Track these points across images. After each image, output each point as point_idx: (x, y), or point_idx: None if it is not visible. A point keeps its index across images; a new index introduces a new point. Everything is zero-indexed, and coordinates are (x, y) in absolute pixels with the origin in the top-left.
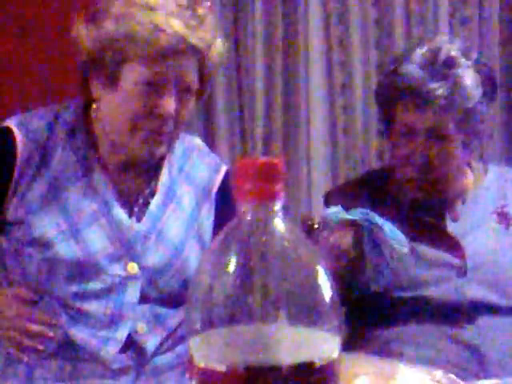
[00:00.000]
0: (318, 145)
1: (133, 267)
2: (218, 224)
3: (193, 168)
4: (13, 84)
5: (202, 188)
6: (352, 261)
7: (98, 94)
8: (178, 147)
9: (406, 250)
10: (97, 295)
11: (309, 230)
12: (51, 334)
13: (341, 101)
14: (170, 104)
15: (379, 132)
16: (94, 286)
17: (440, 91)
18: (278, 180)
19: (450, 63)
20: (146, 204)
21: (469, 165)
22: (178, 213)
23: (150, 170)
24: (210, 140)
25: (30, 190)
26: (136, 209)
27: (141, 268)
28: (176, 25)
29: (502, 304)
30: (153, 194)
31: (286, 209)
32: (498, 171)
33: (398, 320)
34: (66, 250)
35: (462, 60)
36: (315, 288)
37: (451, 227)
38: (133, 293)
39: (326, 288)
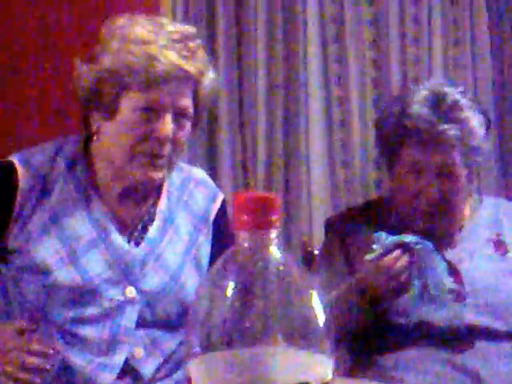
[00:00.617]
0: (317, 177)
1: (131, 291)
2: (215, 250)
3: (190, 197)
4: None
5: (200, 216)
6: (402, 283)
7: (97, 127)
8: (177, 177)
9: (447, 280)
10: (94, 320)
11: (308, 256)
12: (48, 366)
13: (339, 135)
14: (166, 127)
15: (377, 164)
16: (92, 310)
17: (451, 132)
18: (274, 212)
19: (457, 106)
20: (145, 230)
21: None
22: (176, 239)
23: (149, 198)
24: (213, 172)
25: (30, 220)
26: (135, 234)
27: (138, 292)
28: (170, 55)
29: (500, 329)
30: (151, 221)
31: (287, 235)
32: (493, 202)
33: (398, 346)
34: (64, 276)
35: (466, 102)
36: (309, 312)
37: (449, 254)
38: (130, 317)
39: (319, 312)
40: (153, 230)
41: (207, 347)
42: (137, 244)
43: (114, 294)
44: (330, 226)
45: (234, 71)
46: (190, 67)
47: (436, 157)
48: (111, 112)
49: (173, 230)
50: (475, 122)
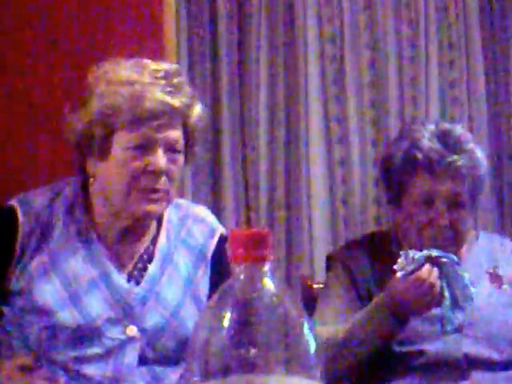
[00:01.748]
0: (318, 213)
1: (132, 330)
2: (214, 284)
3: (188, 235)
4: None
5: (198, 252)
6: (434, 296)
7: (93, 169)
8: (175, 215)
9: (473, 289)
10: (97, 358)
11: (308, 290)
12: None
13: (339, 173)
14: (160, 160)
15: (376, 200)
16: (94, 350)
17: (461, 162)
18: (267, 246)
19: (463, 139)
20: (144, 268)
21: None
22: (175, 276)
23: (148, 235)
24: (216, 209)
25: (31, 262)
26: (135, 272)
27: (140, 330)
28: (155, 92)
29: (496, 359)
30: (150, 259)
31: (288, 271)
32: (488, 237)
33: (396, 375)
34: (66, 317)
35: (469, 136)
36: (301, 340)
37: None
38: (132, 355)
39: (310, 340)
40: (152, 268)
41: (206, 375)
42: (137, 282)
43: (115, 333)
44: (333, 258)
45: (237, 116)
46: (176, 102)
47: (446, 186)
48: (104, 153)
49: (172, 267)
50: (480, 153)
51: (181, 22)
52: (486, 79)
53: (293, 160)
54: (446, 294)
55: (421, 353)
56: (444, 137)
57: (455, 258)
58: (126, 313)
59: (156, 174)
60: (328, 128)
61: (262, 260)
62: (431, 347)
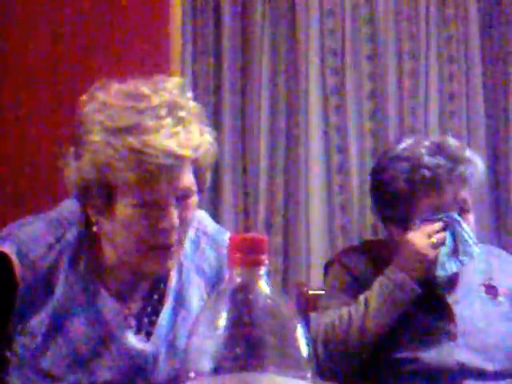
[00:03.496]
0: (316, 221)
1: None
2: None
3: (202, 258)
4: None
5: (214, 279)
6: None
7: (96, 218)
8: (187, 239)
9: (477, 249)
10: None
11: (305, 297)
12: None
13: (338, 181)
14: (171, 216)
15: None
16: None
17: (468, 172)
18: (263, 251)
19: (461, 149)
20: (155, 311)
21: None
22: (189, 318)
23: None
24: (215, 216)
25: (33, 319)
26: (145, 319)
27: None
28: (157, 141)
29: (488, 369)
30: (161, 300)
31: (285, 278)
32: (484, 248)
33: (389, 381)
34: (72, 382)
35: (462, 144)
36: (294, 341)
37: (447, 296)
38: None
39: (303, 341)
40: (164, 316)
41: (201, 373)
42: (147, 333)
43: None
44: (331, 263)
45: (237, 122)
46: (185, 150)
47: (454, 196)
48: (106, 211)
49: (185, 308)
50: (478, 158)
51: (185, 24)
52: (484, 92)
53: (292, 168)
54: (448, 242)
55: (414, 360)
56: (442, 150)
57: (459, 217)
58: (136, 374)
59: (168, 230)
60: (327, 137)
61: (258, 264)
62: (425, 355)
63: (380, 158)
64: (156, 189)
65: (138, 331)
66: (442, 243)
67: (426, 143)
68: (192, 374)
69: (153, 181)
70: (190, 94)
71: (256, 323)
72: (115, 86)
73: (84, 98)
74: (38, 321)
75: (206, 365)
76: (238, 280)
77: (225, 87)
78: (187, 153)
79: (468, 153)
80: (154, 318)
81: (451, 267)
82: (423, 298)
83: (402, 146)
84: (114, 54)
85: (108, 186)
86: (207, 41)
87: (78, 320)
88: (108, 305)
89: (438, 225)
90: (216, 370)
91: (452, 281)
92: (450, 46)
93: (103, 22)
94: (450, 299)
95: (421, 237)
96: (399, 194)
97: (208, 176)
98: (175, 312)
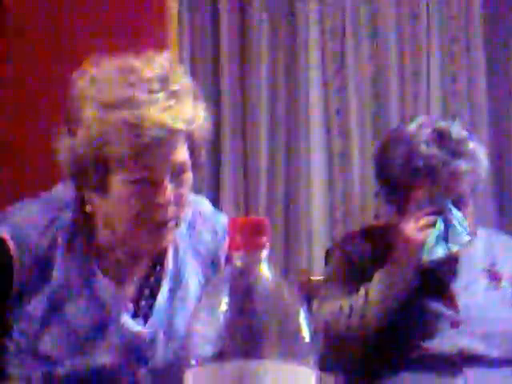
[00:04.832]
0: (317, 207)
1: (141, 372)
2: None
3: (198, 239)
4: None
5: (210, 260)
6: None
7: (91, 197)
8: (182, 224)
9: (467, 238)
10: None
11: (307, 283)
12: None
13: (339, 167)
14: (165, 192)
15: (376, 195)
16: None
17: (464, 167)
18: (264, 234)
19: (463, 140)
20: (152, 294)
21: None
22: (186, 299)
23: (155, 254)
24: (216, 202)
25: (30, 304)
26: (143, 302)
27: (149, 370)
28: (151, 114)
29: (490, 355)
30: (158, 282)
31: (286, 265)
32: (486, 234)
33: (391, 368)
34: (70, 366)
35: (468, 135)
36: (297, 327)
37: (450, 284)
38: None
39: (305, 327)
40: (161, 298)
41: (202, 360)
42: (145, 316)
43: (123, 376)
44: (332, 249)
45: (238, 105)
46: (179, 123)
47: (450, 189)
48: (100, 189)
49: (182, 289)
50: (480, 152)
51: (182, 14)
52: (486, 72)
53: (292, 152)
54: (438, 225)
55: (417, 347)
56: (443, 140)
57: (452, 208)
58: (134, 356)
59: (163, 206)
60: (328, 121)
61: (260, 247)
62: (427, 342)
63: (383, 138)
64: (150, 163)
65: (135, 315)
66: (432, 226)
67: (428, 130)
68: (193, 362)
69: (147, 155)
70: (182, 69)
71: (257, 309)
72: (106, 62)
73: (75, 74)
74: (36, 305)
75: (207, 352)
76: (239, 264)
77: (223, 73)
78: (181, 126)
79: (470, 146)
80: (151, 301)
81: (437, 252)
82: (425, 285)
83: (406, 128)
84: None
85: (102, 162)
86: (206, 21)
87: (75, 303)
88: (104, 287)
89: (427, 210)
90: (217, 357)
91: (454, 267)
92: (451, 26)
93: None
94: (453, 285)
95: (410, 222)
96: (395, 178)
97: (203, 153)
98: (172, 294)
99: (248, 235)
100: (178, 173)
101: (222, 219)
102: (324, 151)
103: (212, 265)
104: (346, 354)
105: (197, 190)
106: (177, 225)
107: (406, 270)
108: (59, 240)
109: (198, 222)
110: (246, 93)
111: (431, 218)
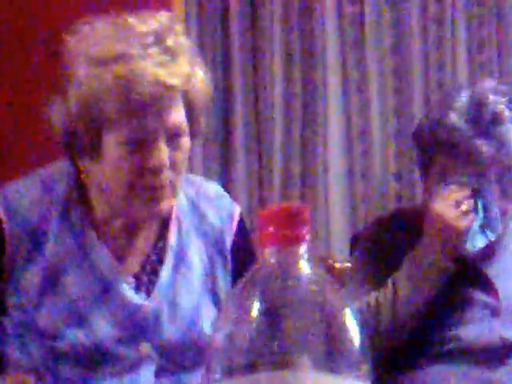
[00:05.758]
0: (336, 189)
1: (145, 348)
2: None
3: (202, 219)
4: None
5: (215, 241)
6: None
7: (84, 167)
8: (185, 197)
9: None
10: (109, 377)
11: (328, 270)
12: None
13: (359, 146)
14: (160, 154)
15: (397, 176)
16: (105, 369)
17: (485, 149)
18: (303, 224)
19: (497, 119)
20: (154, 271)
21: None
22: (190, 277)
23: (156, 227)
24: (228, 188)
25: (24, 278)
26: (144, 277)
27: (154, 347)
28: (146, 70)
29: None
30: (160, 259)
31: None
32: None
33: (427, 361)
34: (71, 339)
35: (507, 115)
36: (343, 333)
37: (484, 268)
38: (148, 373)
39: (354, 332)
40: (164, 274)
41: (229, 373)
42: (147, 291)
43: (127, 352)
44: (360, 237)
45: (250, 82)
46: (173, 78)
47: (467, 173)
48: (94, 152)
49: (185, 266)
50: None
51: None
52: None
53: (309, 133)
54: (480, 211)
55: (454, 338)
56: (476, 113)
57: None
58: (137, 330)
59: (157, 170)
60: (347, 98)
61: (297, 241)
62: (465, 332)
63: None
64: (143, 122)
65: (137, 289)
66: (474, 212)
67: (465, 99)
68: (218, 375)
69: (141, 113)
70: (181, 28)
71: (296, 313)
72: (100, 20)
73: (67, 34)
74: (31, 278)
75: (237, 362)
76: (273, 261)
77: (234, 47)
78: (176, 82)
79: (502, 128)
80: (153, 277)
81: (478, 241)
82: (460, 271)
83: (447, 92)
84: None
85: (95, 123)
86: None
87: (73, 274)
88: (103, 257)
89: (467, 191)
90: (249, 368)
91: (489, 252)
92: None
93: None
94: (490, 272)
95: (449, 206)
96: (421, 147)
97: (202, 119)
98: (176, 270)
99: (283, 226)
100: (174, 136)
101: (228, 202)
102: (342, 131)
103: (216, 246)
104: (375, 352)
105: (207, 173)
106: (174, 193)
107: (443, 261)
108: (53, 211)
109: (202, 203)
110: (258, 76)
111: (471, 202)
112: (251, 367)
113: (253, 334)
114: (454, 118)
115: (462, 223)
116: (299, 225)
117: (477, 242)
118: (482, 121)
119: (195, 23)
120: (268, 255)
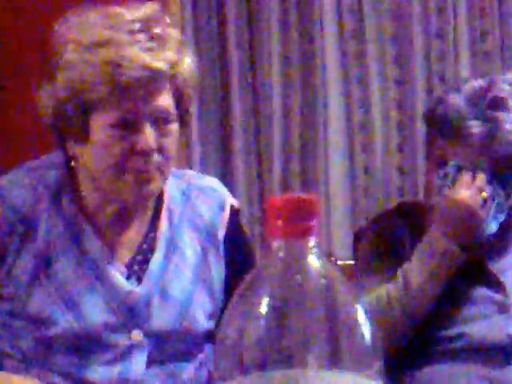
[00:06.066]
0: (336, 182)
1: (137, 335)
2: (232, 269)
3: (194, 211)
4: None
5: (207, 232)
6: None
7: (74, 151)
8: (176, 189)
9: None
10: (101, 365)
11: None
12: None
13: (360, 138)
14: (148, 137)
15: (400, 168)
16: (97, 356)
17: (475, 130)
18: (313, 216)
19: (495, 104)
20: (146, 260)
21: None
22: (182, 266)
23: (147, 217)
24: (227, 180)
25: (15, 266)
26: (135, 266)
27: (146, 334)
28: (133, 55)
29: None
30: (152, 248)
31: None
32: None
33: (435, 359)
34: (63, 325)
35: (509, 102)
36: (354, 330)
37: (489, 264)
38: (139, 360)
39: (366, 328)
40: (155, 262)
41: (239, 371)
42: (138, 279)
43: (118, 339)
44: (363, 231)
45: (248, 73)
46: (160, 63)
47: (457, 153)
48: (82, 135)
49: (177, 255)
50: (509, 126)
51: None
52: None
53: (309, 126)
54: (496, 198)
55: (462, 335)
56: (478, 96)
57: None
58: (128, 317)
59: (144, 153)
60: (347, 89)
61: (307, 233)
62: (473, 329)
63: None
64: (130, 105)
65: (129, 277)
66: (492, 198)
67: (476, 83)
68: (227, 373)
69: (127, 96)
70: (169, 20)
71: (305, 309)
72: (90, 10)
73: (57, 23)
74: (22, 266)
75: (246, 359)
76: (281, 255)
77: (230, 36)
78: (162, 66)
79: (503, 115)
80: (144, 266)
81: (492, 227)
82: (465, 266)
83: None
84: None
85: (83, 106)
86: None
87: (64, 260)
88: (95, 245)
89: (484, 176)
90: (258, 366)
91: (496, 248)
92: None
93: None
94: (496, 267)
95: (473, 193)
96: (427, 122)
97: (191, 106)
98: (167, 259)
99: (292, 218)
100: (162, 121)
101: (219, 194)
102: (343, 123)
103: (208, 237)
104: (385, 348)
105: (203, 169)
106: (163, 177)
107: (458, 250)
108: (44, 198)
109: (194, 194)
110: (257, 61)
111: (490, 188)
112: (261, 365)
113: (262, 331)
114: (456, 97)
115: (484, 209)
116: (308, 217)
117: (491, 227)
118: (481, 104)
119: (191, 23)
120: (276, 248)
